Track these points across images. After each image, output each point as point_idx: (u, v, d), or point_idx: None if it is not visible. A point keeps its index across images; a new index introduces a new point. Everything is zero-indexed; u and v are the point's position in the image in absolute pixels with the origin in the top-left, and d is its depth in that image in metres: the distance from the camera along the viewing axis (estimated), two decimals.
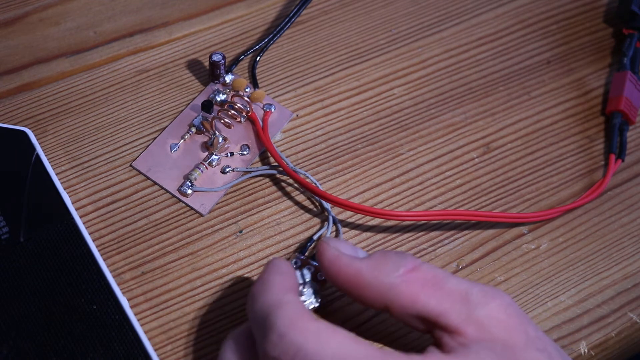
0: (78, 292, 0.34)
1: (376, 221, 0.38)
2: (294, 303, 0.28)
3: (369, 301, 0.29)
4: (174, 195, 0.38)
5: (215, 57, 0.40)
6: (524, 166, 0.41)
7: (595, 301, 0.37)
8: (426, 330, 0.29)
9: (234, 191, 0.39)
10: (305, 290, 0.34)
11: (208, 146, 0.39)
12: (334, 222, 0.38)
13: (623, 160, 0.41)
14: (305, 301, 0.34)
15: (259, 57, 0.43)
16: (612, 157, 0.41)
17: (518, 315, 0.29)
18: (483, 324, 0.28)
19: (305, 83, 0.43)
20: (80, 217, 0.37)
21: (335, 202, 0.37)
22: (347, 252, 0.30)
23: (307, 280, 0.34)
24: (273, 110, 0.41)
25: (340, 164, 0.40)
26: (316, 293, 0.35)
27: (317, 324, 0.27)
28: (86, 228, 0.37)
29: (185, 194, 0.38)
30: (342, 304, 0.36)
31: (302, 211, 0.38)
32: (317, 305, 0.35)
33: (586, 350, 0.36)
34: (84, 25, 0.43)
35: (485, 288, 0.29)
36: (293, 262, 0.36)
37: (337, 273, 0.30)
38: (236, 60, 0.42)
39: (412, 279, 0.29)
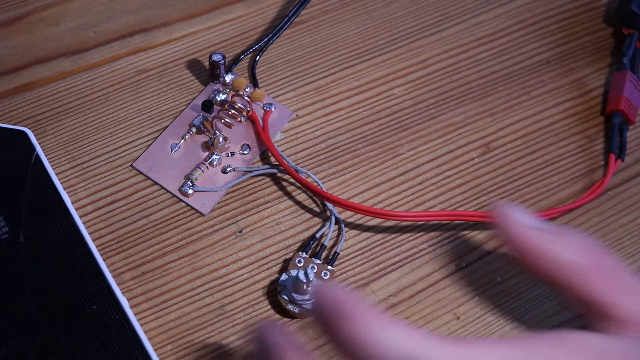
0: (78, 292, 0.34)
1: (376, 221, 0.38)
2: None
3: (547, 275, 0.28)
4: (174, 195, 0.38)
5: (215, 57, 0.40)
6: (524, 166, 0.41)
7: None
8: (579, 311, 0.29)
9: (233, 191, 0.39)
10: (309, 289, 0.34)
11: (209, 146, 0.39)
12: (336, 221, 0.38)
13: (623, 160, 0.41)
14: (309, 300, 0.34)
15: (258, 57, 0.43)
16: (612, 157, 0.41)
17: None
18: None
19: (305, 83, 0.43)
20: (80, 217, 0.37)
21: (335, 202, 0.37)
22: (530, 223, 0.29)
23: (312, 279, 0.34)
24: (273, 109, 0.41)
25: (340, 163, 0.40)
26: None
27: None
28: (86, 228, 0.37)
29: (186, 194, 0.38)
30: None
31: (302, 211, 0.38)
32: None
33: None
34: (84, 25, 0.43)
35: None
36: (296, 261, 0.36)
37: (526, 243, 0.28)
38: (236, 60, 0.42)
39: (593, 264, 0.28)
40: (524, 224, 0.29)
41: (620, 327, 0.27)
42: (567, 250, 0.28)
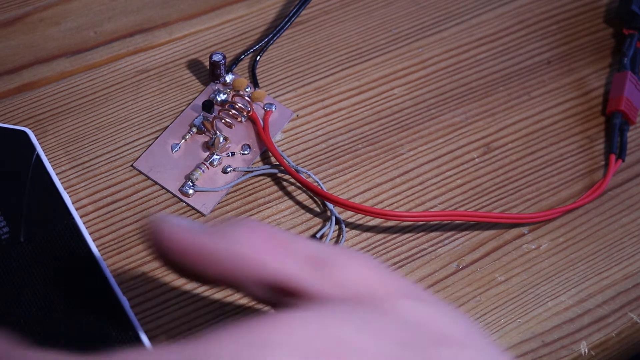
0: (78, 292, 0.33)
1: (376, 221, 0.38)
2: None
3: (211, 275, 0.25)
4: (175, 195, 0.38)
5: (216, 57, 0.40)
6: (525, 166, 0.41)
7: (596, 301, 0.37)
8: (273, 300, 0.25)
9: (234, 191, 0.39)
10: None
11: (209, 146, 0.39)
12: (337, 222, 0.38)
13: (623, 161, 0.41)
14: None
15: (259, 57, 0.43)
16: (613, 157, 0.41)
17: (381, 269, 0.25)
18: (343, 284, 0.24)
19: (305, 83, 0.43)
20: (81, 217, 0.37)
21: (336, 202, 0.37)
22: (182, 223, 0.26)
23: None
24: (274, 109, 0.41)
25: (341, 164, 0.40)
26: None
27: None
28: (86, 228, 0.37)
29: (186, 194, 0.38)
30: None
31: (302, 211, 0.38)
32: None
33: (587, 351, 0.36)
34: (85, 25, 0.43)
35: (340, 248, 0.26)
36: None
37: (173, 245, 0.25)
38: (236, 60, 0.42)
39: (260, 243, 0.25)
40: (176, 225, 0.25)
41: (318, 298, 0.24)
42: (227, 240, 0.25)
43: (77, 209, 0.37)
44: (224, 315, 0.35)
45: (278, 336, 0.21)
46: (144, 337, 0.33)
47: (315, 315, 0.23)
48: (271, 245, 0.25)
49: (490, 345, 0.24)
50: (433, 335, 0.23)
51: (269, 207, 0.38)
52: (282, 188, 0.39)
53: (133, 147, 0.39)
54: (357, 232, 0.38)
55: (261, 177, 0.39)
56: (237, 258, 0.24)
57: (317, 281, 0.24)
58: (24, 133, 0.38)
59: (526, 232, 0.39)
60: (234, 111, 0.40)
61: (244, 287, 0.25)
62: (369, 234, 0.38)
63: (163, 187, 0.38)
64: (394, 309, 0.24)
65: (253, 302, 0.35)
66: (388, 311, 0.24)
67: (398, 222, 0.38)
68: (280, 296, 0.25)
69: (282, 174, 0.39)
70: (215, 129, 0.39)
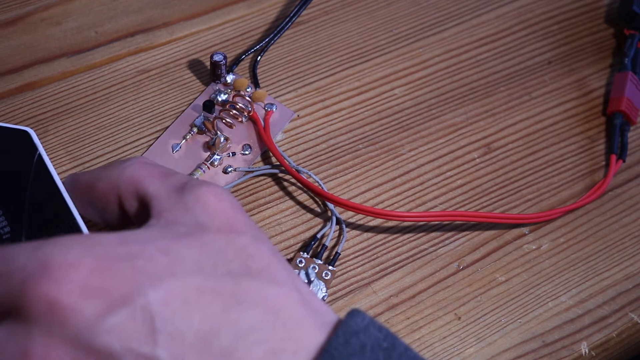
0: None
1: (377, 221, 0.38)
2: None
3: (102, 196, 0.30)
4: None
5: (217, 57, 0.40)
6: (525, 166, 0.41)
7: (597, 301, 0.37)
8: (138, 215, 0.29)
9: (234, 191, 0.39)
10: (310, 288, 0.34)
11: (210, 146, 0.39)
12: (337, 222, 0.38)
13: (624, 161, 0.41)
14: None
15: (260, 57, 0.43)
16: (613, 157, 0.41)
17: (227, 201, 0.28)
18: (187, 206, 0.27)
19: (306, 83, 0.43)
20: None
21: (337, 202, 0.37)
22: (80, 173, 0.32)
23: (313, 279, 0.34)
24: (274, 110, 0.41)
25: (342, 164, 0.40)
26: (321, 291, 0.35)
27: None
28: (88, 228, 0.37)
29: None
30: (347, 302, 0.36)
31: (303, 211, 0.38)
32: None
33: (587, 351, 0.36)
34: (85, 25, 0.43)
35: (203, 181, 0.28)
36: (298, 261, 0.36)
37: (77, 185, 0.31)
38: (237, 60, 0.42)
39: (140, 166, 0.29)
40: (77, 173, 0.31)
41: (164, 217, 0.27)
42: (114, 166, 0.30)
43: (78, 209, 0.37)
44: None
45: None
46: None
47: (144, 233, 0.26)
48: (149, 172, 0.29)
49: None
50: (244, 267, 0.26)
51: (269, 207, 0.38)
52: (283, 188, 0.39)
53: (134, 147, 0.39)
54: (358, 232, 0.38)
55: (262, 177, 0.39)
56: (120, 178, 0.29)
57: (170, 203, 0.27)
58: (26, 133, 0.38)
59: (527, 232, 0.39)
60: (234, 111, 0.40)
61: (117, 198, 0.29)
62: (369, 234, 0.38)
63: None
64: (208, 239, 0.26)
65: None
66: (206, 241, 0.26)
67: (399, 222, 0.38)
68: (141, 210, 0.29)
69: (283, 174, 0.39)
70: (216, 129, 0.39)
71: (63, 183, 0.33)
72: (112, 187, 0.30)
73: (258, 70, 0.43)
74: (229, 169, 0.39)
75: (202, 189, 0.27)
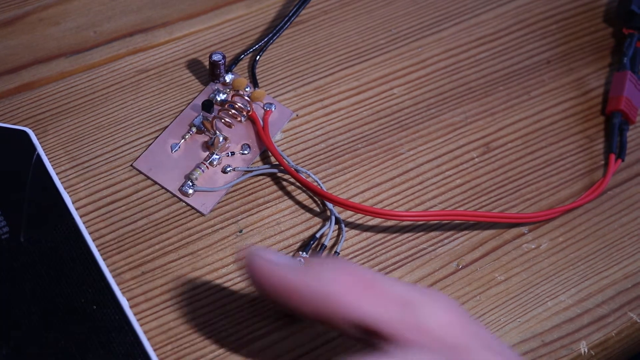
0: (78, 292, 0.33)
1: (376, 221, 0.38)
2: None
3: (304, 312, 0.27)
4: (174, 195, 0.38)
5: (215, 57, 0.40)
6: (524, 166, 0.41)
7: (596, 301, 0.37)
8: (363, 338, 0.27)
9: (234, 191, 0.39)
10: None
11: (209, 146, 0.39)
12: (337, 221, 0.38)
13: (623, 160, 0.41)
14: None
15: (258, 57, 0.43)
16: (612, 156, 0.41)
17: (465, 317, 0.27)
18: (426, 329, 0.26)
19: (305, 83, 0.43)
20: (81, 216, 0.37)
21: (336, 202, 0.37)
22: (279, 260, 0.28)
23: None
24: (273, 109, 0.41)
25: (340, 163, 0.40)
26: None
27: None
28: (86, 228, 0.37)
29: (186, 194, 0.38)
30: None
31: (302, 211, 0.38)
32: None
33: (586, 350, 0.36)
34: (84, 25, 0.43)
35: (426, 291, 0.27)
36: (297, 260, 0.36)
37: (268, 282, 0.27)
38: (236, 60, 0.42)
39: (350, 284, 0.26)
40: (272, 262, 0.27)
41: (401, 342, 0.25)
42: (318, 280, 0.26)
43: (77, 209, 0.37)
44: (224, 315, 0.35)
45: None
46: (144, 337, 0.33)
47: None
48: (359, 288, 0.26)
49: None
50: None
51: (268, 207, 0.38)
52: (282, 188, 0.39)
53: (133, 147, 0.39)
54: (357, 231, 0.38)
55: (261, 177, 0.39)
56: (326, 299, 0.26)
57: (401, 326, 0.26)
58: (25, 133, 0.38)
59: (526, 231, 0.39)
60: (233, 111, 0.40)
61: (335, 325, 0.27)
62: (368, 234, 0.38)
63: (163, 187, 0.38)
64: None
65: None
66: None
67: (398, 221, 0.38)
68: (369, 336, 0.26)
69: (282, 174, 0.39)
70: (214, 128, 0.39)
71: (241, 253, 0.30)
72: (317, 307, 0.26)
73: (257, 70, 0.43)
74: (228, 169, 0.39)
75: (437, 307, 0.26)
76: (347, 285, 0.26)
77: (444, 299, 0.27)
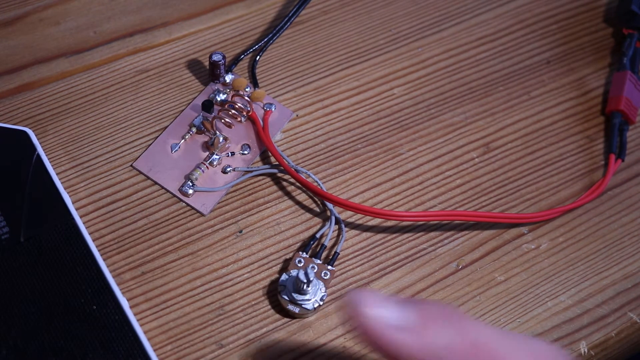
0: (78, 292, 0.33)
1: (376, 221, 0.38)
2: None
3: None
4: (174, 195, 0.38)
5: (215, 57, 0.40)
6: (524, 166, 0.41)
7: (595, 301, 0.37)
8: None
9: (233, 191, 0.39)
10: (309, 289, 0.34)
11: (209, 146, 0.39)
12: (337, 221, 0.38)
13: (623, 160, 0.41)
14: (309, 300, 0.35)
15: (258, 57, 0.43)
16: (612, 156, 0.41)
17: None
18: None
19: (305, 83, 0.43)
20: (81, 217, 0.37)
21: (336, 202, 0.37)
22: (390, 316, 0.26)
23: (312, 279, 0.34)
24: (273, 109, 0.41)
25: (340, 163, 0.40)
26: (320, 291, 0.35)
27: None
28: (86, 228, 0.37)
29: (186, 194, 0.38)
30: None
31: (302, 211, 0.38)
32: (321, 303, 0.35)
33: (586, 350, 0.36)
34: (84, 25, 0.43)
35: (523, 340, 0.26)
36: (297, 260, 0.36)
37: (380, 345, 0.26)
38: (236, 60, 0.42)
39: (464, 352, 0.25)
40: (383, 321, 0.26)
41: None
42: (435, 342, 0.25)
43: (77, 209, 0.37)
44: (224, 315, 0.35)
45: None
46: (143, 337, 0.33)
47: None
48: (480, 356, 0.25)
49: None
50: None
51: (268, 207, 0.38)
52: (282, 188, 0.39)
53: (133, 147, 0.39)
54: (357, 232, 0.38)
55: (261, 177, 0.39)
56: None
57: None
58: (25, 133, 0.38)
59: (526, 231, 0.39)
60: (233, 111, 0.40)
61: None
62: (368, 234, 0.38)
63: (163, 187, 0.38)
64: None
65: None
66: None
67: (397, 222, 0.38)
68: None
69: (282, 174, 0.39)
70: (214, 128, 0.39)
71: (345, 300, 0.27)
72: None
73: (257, 70, 0.43)
74: (228, 169, 0.39)
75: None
76: (464, 354, 0.25)
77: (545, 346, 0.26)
